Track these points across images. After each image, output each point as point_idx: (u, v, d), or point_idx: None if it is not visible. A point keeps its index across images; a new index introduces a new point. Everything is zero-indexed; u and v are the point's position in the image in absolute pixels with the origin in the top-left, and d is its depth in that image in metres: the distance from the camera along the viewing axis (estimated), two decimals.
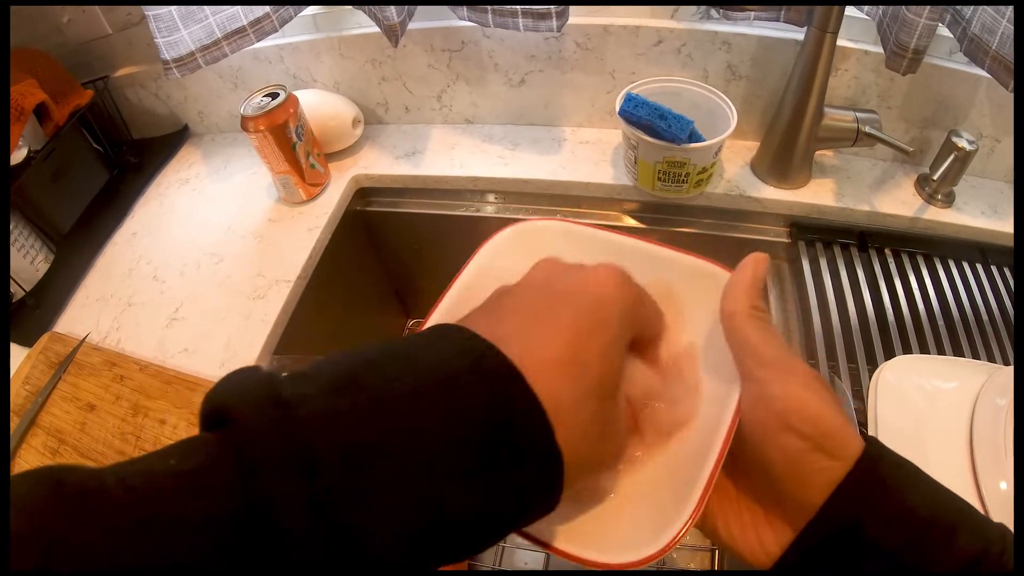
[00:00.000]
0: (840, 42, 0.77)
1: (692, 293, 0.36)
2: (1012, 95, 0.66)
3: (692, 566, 0.88)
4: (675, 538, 0.27)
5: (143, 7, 0.76)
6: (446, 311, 0.37)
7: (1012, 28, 0.63)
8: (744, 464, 0.32)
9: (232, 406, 0.21)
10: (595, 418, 0.26)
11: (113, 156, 1.00)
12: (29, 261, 0.84)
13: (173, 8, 0.77)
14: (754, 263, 0.32)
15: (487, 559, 0.84)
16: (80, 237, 0.91)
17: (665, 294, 0.37)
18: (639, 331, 0.31)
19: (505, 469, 0.23)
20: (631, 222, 0.91)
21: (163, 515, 0.19)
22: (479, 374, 0.24)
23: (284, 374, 0.23)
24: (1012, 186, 0.85)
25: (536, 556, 0.88)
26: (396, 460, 0.21)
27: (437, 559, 0.23)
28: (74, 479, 0.19)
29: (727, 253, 0.80)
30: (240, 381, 0.23)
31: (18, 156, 0.82)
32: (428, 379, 0.23)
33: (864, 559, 0.27)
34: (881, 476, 0.28)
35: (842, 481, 0.28)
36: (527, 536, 0.29)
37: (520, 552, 0.86)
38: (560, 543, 0.29)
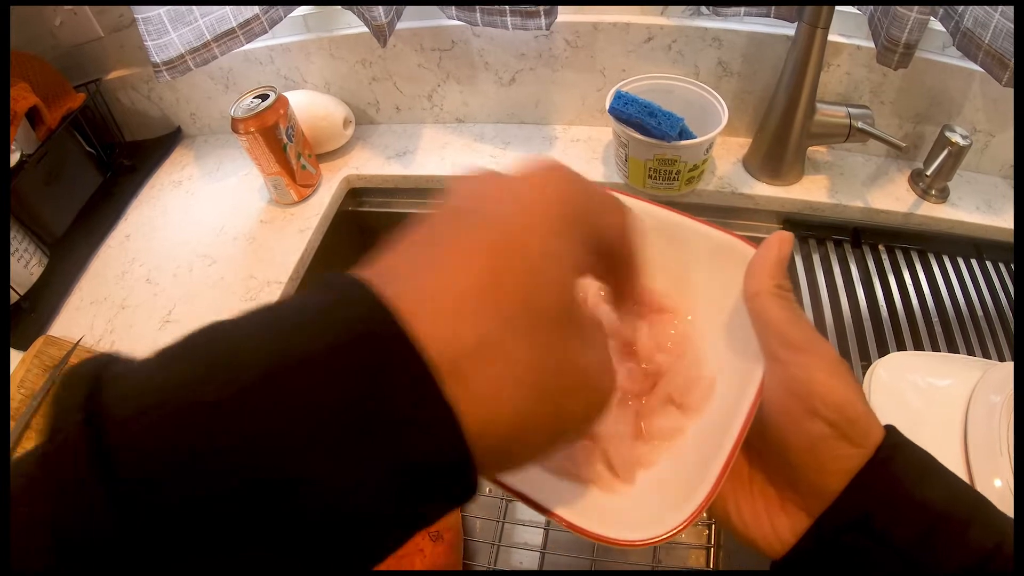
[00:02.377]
0: (832, 37, 0.76)
1: (714, 267, 0.35)
2: (1006, 89, 0.65)
3: (688, 563, 0.88)
4: (686, 520, 0.27)
5: (133, 11, 0.76)
6: None
7: (1005, 22, 0.62)
8: (760, 447, 0.31)
9: (49, 417, 0.17)
10: (536, 360, 0.20)
11: (106, 159, 1.00)
12: (23, 265, 0.84)
13: (162, 11, 0.77)
14: (779, 241, 0.31)
15: (481, 558, 0.84)
16: (74, 240, 0.91)
17: (684, 267, 0.36)
18: (596, 233, 0.24)
19: (374, 446, 0.17)
20: None
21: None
22: (335, 320, 0.18)
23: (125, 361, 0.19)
24: (1007, 181, 0.85)
25: (532, 556, 0.87)
26: (220, 438, 0.16)
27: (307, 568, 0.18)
28: None
29: None
30: (65, 381, 0.18)
31: (11, 160, 0.82)
32: (280, 339, 0.18)
33: (877, 552, 0.26)
34: (898, 467, 0.27)
35: (860, 471, 0.27)
36: (532, 503, 0.28)
37: (516, 552, 0.86)
38: (567, 515, 0.28)
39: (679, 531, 0.27)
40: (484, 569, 0.85)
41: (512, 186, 0.23)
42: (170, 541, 0.16)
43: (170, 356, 0.18)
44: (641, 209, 0.37)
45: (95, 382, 0.17)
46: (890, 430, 0.29)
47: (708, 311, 0.35)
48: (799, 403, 0.28)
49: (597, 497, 0.31)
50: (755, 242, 0.32)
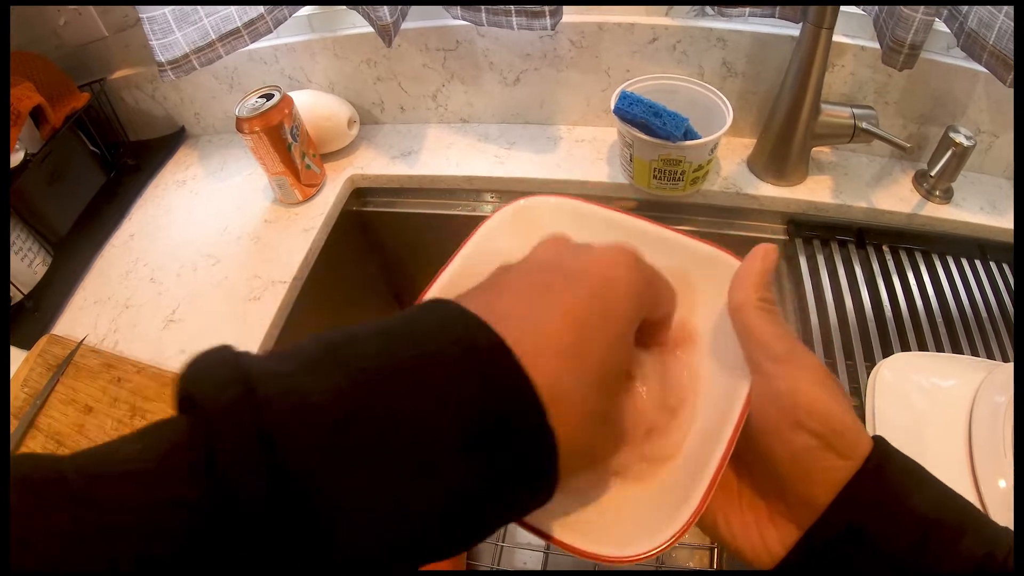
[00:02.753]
0: (836, 38, 0.76)
1: (701, 280, 0.35)
2: (1010, 90, 0.65)
3: (691, 564, 0.88)
4: (676, 535, 0.27)
5: (138, 10, 0.76)
6: (440, 291, 0.36)
7: (1009, 23, 0.62)
8: (748, 460, 0.31)
9: (195, 388, 0.20)
10: (596, 410, 0.24)
11: (110, 158, 1.00)
12: (27, 264, 0.84)
13: (167, 10, 0.77)
14: (763, 254, 0.31)
15: (485, 558, 0.84)
16: (78, 240, 0.91)
17: (681, 280, 0.36)
18: (649, 314, 0.29)
19: (492, 454, 0.21)
20: None
21: (121, 504, 0.18)
22: (468, 351, 0.22)
23: (257, 353, 0.22)
24: (1011, 182, 0.85)
25: (535, 556, 0.87)
26: (367, 439, 0.20)
27: (419, 552, 0.21)
28: (37, 473, 0.18)
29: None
30: (207, 361, 0.21)
31: (15, 159, 0.82)
32: (409, 354, 0.21)
33: (868, 563, 0.26)
34: (887, 478, 0.27)
35: (848, 483, 0.27)
36: (527, 526, 0.29)
37: (519, 552, 0.86)
38: (558, 533, 0.28)
39: (668, 546, 0.27)
40: (488, 569, 0.85)
41: (594, 256, 0.27)
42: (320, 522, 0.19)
43: (305, 358, 0.21)
44: (624, 223, 0.38)
45: (243, 370, 0.20)
46: (878, 440, 0.29)
47: (694, 325, 0.36)
48: (784, 415, 0.28)
49: (585, 513, 0.31)
50: (756, 243, 0.32)
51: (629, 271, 0.27)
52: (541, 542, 0.84)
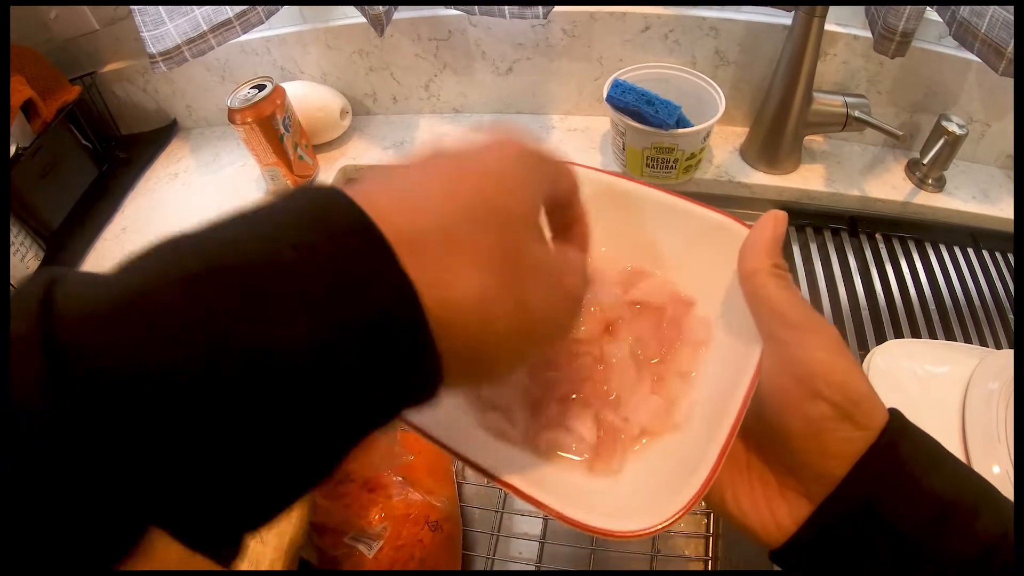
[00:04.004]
0: (829, 26, 0.76)
1: (710, 247, 0.34)
2: (1003, 79, 0.66)
3: (687, 552, 0.88)
4: (682, 510, 0.26)
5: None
6: None
7: (1001, 11, 0.62)
8: (758, 431, 0.30)
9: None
10: (492, 246, 0.21)
11: (102, 152, 1.00)
12: (19, 258, 0.84)
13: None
14: (774, 220, 0.30)
15: (481, 548, 0.84)
16: (70, 233, 0.91)
17: (680, 248, 0.36)
18: (549, 187, 0.26)
19: (339, 305, 0.18)
20: None
21: None
22: (299, 208, 0.19)
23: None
24: (1003, 170, 0.85)
25: (531, 545, 0.87)
26: (175, 316, 0.17)
27: (278, 460, 0.18)
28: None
29: None
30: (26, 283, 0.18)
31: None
32: (245, 224, 0.19)
33: (881, 540, 0.26)
34: (903, 453, 0.27)
35: (863, 456, 0.27)
36: (528, 498, 0.28)
37: (515, 542, 0.86)
38: (561, 507, 0.27)
39: (675, 520, 0.26)
40: (483, 557, 0.85)
41: (478, 139, 0.24)
42: (114, 413, 0.16)
43: (130, 260, 0.19)
44: (635, 192, 0.37)
45: (48, 286, 0.17)
46: (894, 413, 0.28)
47: (703, 293, 0.35)
48: (799, 384, 0.27)
49: (589, 486, 0.30)
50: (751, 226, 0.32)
51: (509, 146, 0.24)
52: (537, 531, 0.84)
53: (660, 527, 0.26)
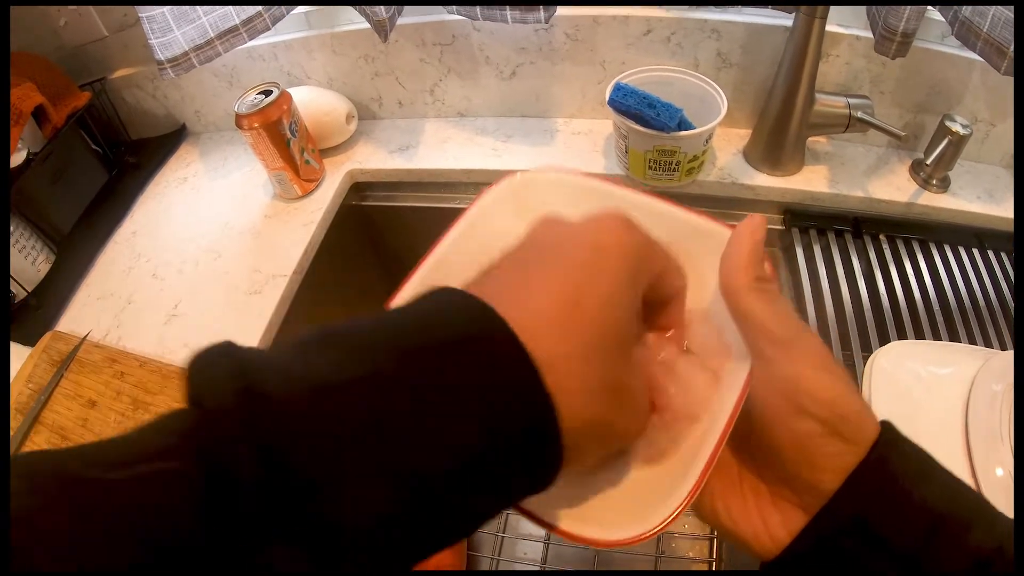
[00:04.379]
0: (830, 27, 0.77)
1: (702, 255, 0.33)
2: (1006, 79, 0.65)
3: (691, 554, 0.88)
4: (668, 518, 0.26)
5: (137, 9, 0.77)
6: (435, 265, 0.35)
7: (1003, 10, 0.62)
8: (750, 445, 0.30)
9: (195, 380, 0.20)
10: (603, 377, 0.23)
11: (112, 157, 1.01)
12: (30, 262, 0.85)
13: (166, 9, 0.78)
14: (751, 228, 0.29)
15: (486, 549, 0.85)
16: (80, 237, 0.92)
17: (683, 256, 0.34)
18: (652, 283, 0.28)
19: (493, 423, 0.21)
20: None
21: (124, 495, 0.18)
22: (455, 326, 0.22)
23: (255, 347, 0.22)
24: (1008, 171, 0.84)
25: (536, 546, 0.88)
26: (360, 422, 0.20)
27: (417, 539, 0.21)
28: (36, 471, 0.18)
29: None
30: (208, 355, 0.21)
31: (17, 158, 0.83)
32: (408, 337, 0.22)
33: (872, 555, 0.25)
34: (894, 466, 0.26)
35: (854, 471, 0.26)
36: (519, 509, 0.28)
37: (520, 543, 0.87)
38: (547, 516, 0.27)
39: (661, 529, 0.26)
40: (489, 558, 0.86)
41: (589, 230, 0.26)
42: (312, 499, 0.19)
43: (305, 345, 0.22)
44: (605, 191, 0.36)
45: (238, 363, 0.20)
46: (885, 426, 0.28)
47: (689, 303, 0.34)
48: (787, 401, 0.27)
49: (578, 497, 0.30)
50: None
51: (619, 235, 0.26)
52: (541, 532, 0.85)
53: (646, 535, 0.26)
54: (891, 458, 0.27)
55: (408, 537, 0.20)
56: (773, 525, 0.29)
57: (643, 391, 0.27)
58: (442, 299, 0.23)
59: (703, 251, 0.32)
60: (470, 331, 0.22)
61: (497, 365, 0.21)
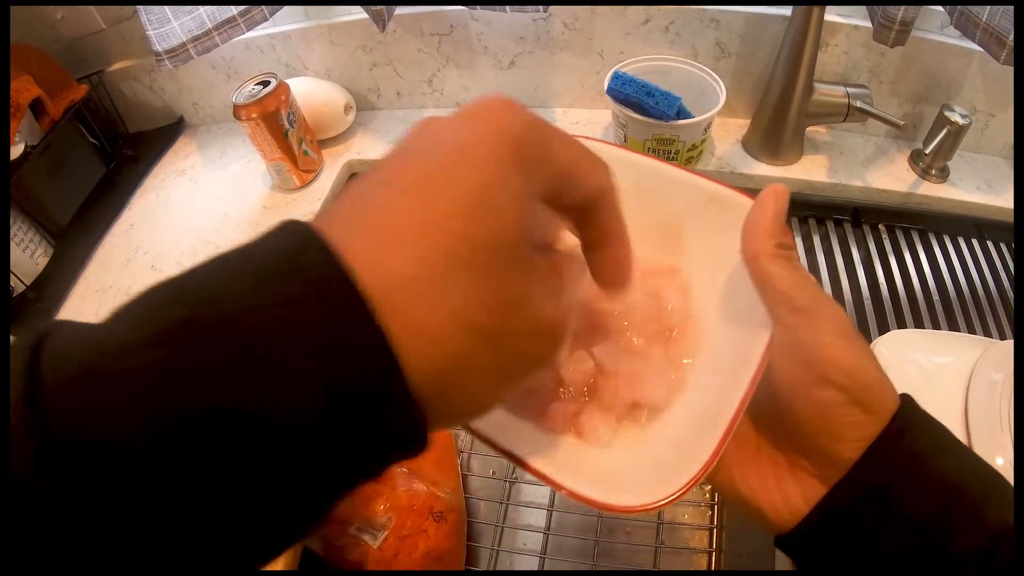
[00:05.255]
0: (829, 17, 0.76)
1: (710, 223, 0.33)
2: (1006, 69, 0.65)
3: (692, 544, 0.88)
4: (688, 484, 0.26)
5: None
6: None
7: None
8: (768, 414, 0.30)
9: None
10: (476, 295, 0.19)
11: (110, 149, 1.01)
12: (29, 255, 0.85)
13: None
14: (774, 196, 0.29)
15: (485, 540, 0.84)
16: (79, 230, 0.92)
17: (676, 223, 0.34)
18: (559, 178, 0.23)
19: (308, 371, 0.17)
20: None
21: None
22: (275, 258, 0.19)
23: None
24: (1008, 161, 0.84)
25: (536, 537, 0.88)
26: (152, 374, 0.17)
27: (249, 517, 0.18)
28: None
29: None
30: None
31: (15, 151, 0.82)
32: (230, 278, 0.19)
33: (890, 527, 0.25)
34: (915, 439, 0.26)
35: (875, 441, 0.26)
36: (534, 471, 0.28)
37: (520, 533, 0.86)
38: (566, 481, 0.27)
39: (681, 494, 0.26)
40: (489, 549, 0.86)
41: (455, 123, 0.22)
42: (100, 482, 0.16)
43: (118, 312, 0.19)
44: (621, 158, 0.35)
45: (36, 346, 0.17)
46: (906, 399, 0.28)
47: (706, 272, 0.34)
48: (808, 370, 0.27)
49: (595, 461, 0.30)
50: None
51: (494, 119, 0.21)
52: (542, 523, 0.84)
53: (666, 500, 0.26)
54: (911, 430, 0.26)
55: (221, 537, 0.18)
56: (791, 495, 0.29)
57: (554, 305, 0.22)
58: (278, 232, 0.20)
59: (724, 219, 0.32)
60: (290, 266, 0.18)
61: (319, 304, 0.18)
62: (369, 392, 0.18)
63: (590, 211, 0.25)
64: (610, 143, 0.36)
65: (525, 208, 0.21)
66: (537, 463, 0.28)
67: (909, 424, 0.27)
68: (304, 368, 0.17)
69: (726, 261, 0.32)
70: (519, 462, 0.29)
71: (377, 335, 0.18)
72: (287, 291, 0.18)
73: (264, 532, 0.19)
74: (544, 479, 0.28)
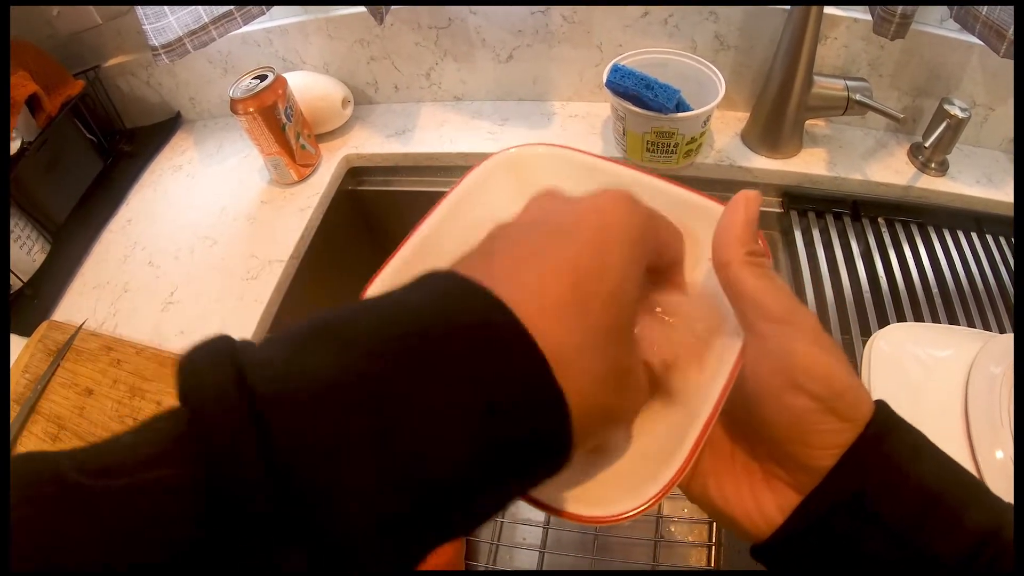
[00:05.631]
0: (829, 10, 0.76)
1: (697, 230, 0.32)
2: (1005, 62, 0.65)
3: (691, 538, 0.88)
4: (657, 494, 0.26)
5: None
6: (422, 242, 0.34)
7: None
8: (743, 423, 0.30)
9: (188, 381, 0.19)
10: (612, 365, 0.23)
11: (106, 145, 1.01)
12: (26, 252, 0.85)
13: None
14: (745, 202, 0.29)
15: (482, 558, 0.84)
16: (76, 226, 0.92)
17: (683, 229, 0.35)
18: (655, 257, 0.27)
19: (500, 423, 0.20)
20: None
21: (120, 500, 0.17)
22: (465, 315, 0.21)
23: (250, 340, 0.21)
24: (1007, 155, 0.84)
25: (531, 555, 0.88)
26: (361, 427, 0.19)
27: (427, 534, 0.20)
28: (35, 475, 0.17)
29: None
30: (200, 352, 0.20)
31: (12, 148, 0.82)
32: (408, 330, 0.20)
33: (868, 534, 0.25)
34: (891, 445, 0.26)
35: (850, 447, 0.26)
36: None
37: (516, 551, 0.86)
38: (537, 494, 0.27)
39: (651, 505, 0.26)
40: (488, 543, 0.86)
41: (585, 206, 0.25)
42: (326, 512, 0.18)
43: (302, 340, 0.20)
44: (596, 167, 0.36)
45: (233, 362, 0.19)
46: (880, 405, 0.27)
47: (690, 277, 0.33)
48: (781, 377, 0.27)
49: (568, 475, 0.30)
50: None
51: (624, 215, 0.25)
52: (537, 541, 0.85)
53: (637, 511, 0.26)
54: (888, 436, 0.26)
55: (412, 537, 0.20)
56: (766, 504, 0.28)
57: (642, 368, 0.26)
58: (438, 285, 0.22)
59: (696, 227, 0.32)
60: (470, 320, 0.21)
61: (502, 358, 0.20)
62: (541, 432, 0.21)
63: (665, 269, 0.30)
64: (582, 151, 0.37)
65: (641, 287, 0.25)
66: None
67: (885, 430, 0.26)
68: (478, 419, 0.20)
69: (697, 269, 0.32)
70: None
71: (555, 391, 0.21)
72: (471, 352, 0.20)
73: (434, 542, 0.21)
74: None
